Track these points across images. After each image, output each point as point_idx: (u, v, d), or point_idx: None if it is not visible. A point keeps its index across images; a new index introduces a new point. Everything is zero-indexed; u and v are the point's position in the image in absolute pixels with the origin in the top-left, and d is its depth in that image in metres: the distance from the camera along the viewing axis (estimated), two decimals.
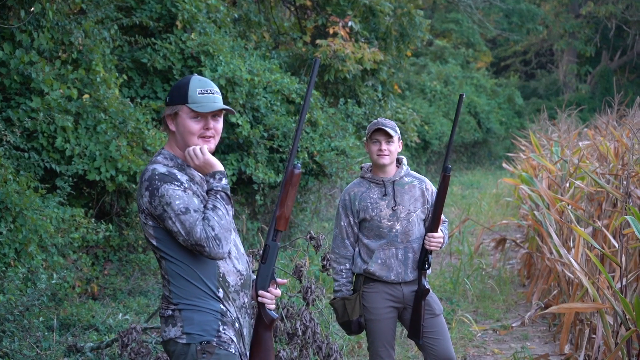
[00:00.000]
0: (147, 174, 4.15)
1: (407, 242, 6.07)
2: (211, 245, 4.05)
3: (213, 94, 4.27)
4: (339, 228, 6.23)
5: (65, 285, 8.44)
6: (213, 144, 4.30)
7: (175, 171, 4.19)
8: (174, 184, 4.11)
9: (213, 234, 4.05)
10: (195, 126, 4.23)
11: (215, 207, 4.12)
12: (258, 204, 12.98)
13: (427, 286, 6.09)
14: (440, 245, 6.06)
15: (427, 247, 6.05)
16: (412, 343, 8.55)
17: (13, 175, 8.30)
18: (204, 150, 4.23)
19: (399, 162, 6.21)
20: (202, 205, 4.14)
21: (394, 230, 6.05)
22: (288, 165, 4.43)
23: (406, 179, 6.16)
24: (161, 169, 4.17)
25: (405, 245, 6.07)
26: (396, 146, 6.08)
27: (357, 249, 6.20)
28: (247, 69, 12.77)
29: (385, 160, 6.04)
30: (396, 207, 6.06)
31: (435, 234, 6.04)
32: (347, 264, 6.21)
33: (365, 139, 6.17)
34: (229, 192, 4.22)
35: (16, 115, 8.99)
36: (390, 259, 6.06)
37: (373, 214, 6.07)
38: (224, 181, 4.23)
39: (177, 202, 4.07)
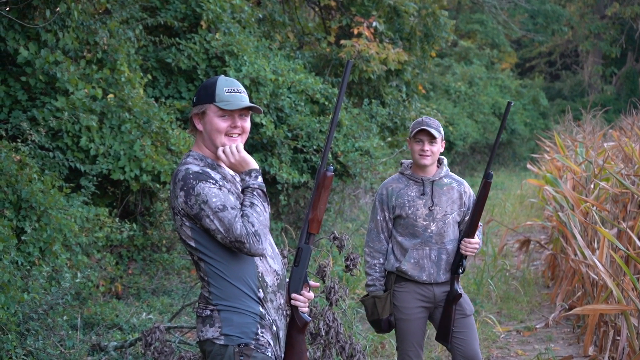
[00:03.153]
0: (181, 174, 4.14)
1: (442, 243, 6.05)
2: (251, 241, 4.03)
3: (240, 92, 4.28)
4: (374, 222, 6.19)
5: (89, 284, 8.46)
6: (240, 142, 4.29)
7: (208, 170, 4.18)
8: (209, 182, 4.10)
9: (253, 230, 4.04)
10: (222, 124, 4.23)
11: (253, 204, 4.12)
12: (282, 204, 12.98)
13: (460, 291, 6.06)
14: (476, 251, 6.04)
15: (463, 252, 6.01)
16: (436, 343, 8.53)
17: (38, 174, 8.33)
18: (239, 147, 4.23)
19: (439, 162, 6.17)
20: (237, 203, 4.12)
21: (429, 231, 6.03)
22: (320, 168, 4.42)
23: (445, 180, 6.14)
24: (194, 167, 4.16)
25: (439, 247, 6.04)
26: (439, 147, 6.04)
27: (390, 246, 6.17)
28: (272, 69, 12.78)
29: (427, 161, 6.02)
30: (433, 207, 6.04)
31: (472, 240, 6.01)
32: (380, 259, 6.17)
33: (408, 136, 6.13)
34: (264, 190, 4.22)
35: (41, 115, 9.02)
36: (424, 259, 6.04)
37: (409, 212, 6.04)
38: (260, 179, 4.23)
39: (213, 199, 4.06)
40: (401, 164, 6.26)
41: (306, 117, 12.81)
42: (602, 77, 43.56)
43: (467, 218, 6.16)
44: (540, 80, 43.58)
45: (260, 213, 4.11)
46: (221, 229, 4.05)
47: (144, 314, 8.98)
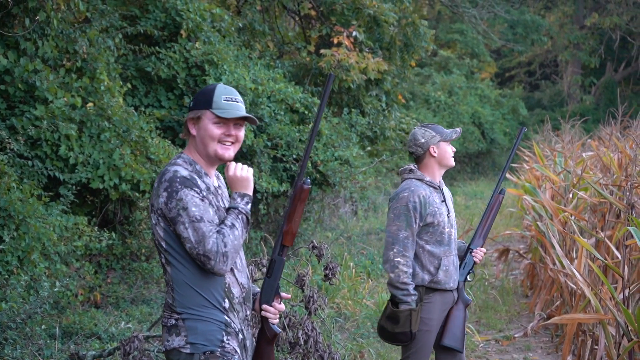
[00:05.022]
0: (168, 175, 4.16)
1: (455, 249, 6.14)
2: (217, 260, 4.07)
3: (237, 102, 4.32)
4: (410, 230, 5.90)
5: (67, 293, 8.44)
6: (232, 151, 4.33)
7: (196, 177, 4.21)
8: (194, 190, 4.13)
9: (223, 250, 4.08)
10: (216, 131, 4.26)
11: (233, 225, 4.16)
12: (261, 213, 12.96)
13: (469, 297, 6.19)
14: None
15: (477, 260, 6.22)
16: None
17: (16, 183, 8.30)
18: (250, 170, 4.30)
19: None
20: (216, 217, 4.17)
21: (452, 237, 6.07)
22: (297, 180, 4.44)
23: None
24: (183, 172, 4.18)
25: (455, 252, 6.12)
26: None
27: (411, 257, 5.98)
28: (251, 78, 12.78)
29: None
30: (450, 214, 6.10)
31: (482, 249, 6.24)
32: (411, 268, 5.95)
33: (437, 141, 6.05)
34: (249, 218, 4.27)
35: (20, 123, 8.99)
36: (450, 265, 6.04)
37: (440, 219, 5.98)
38: (249, 206, 4.29)
39: (193, 208, 4.09)
40: (410, 170, 6.10)
41: (286, 127, 12.81)
42: (581, 87, 43.75)
43: None
44: (519, 90, 43.75)
45: (237, 237, 4.15)
46: (192, 239, 4.08)
47: (123, 323, 8.96)
